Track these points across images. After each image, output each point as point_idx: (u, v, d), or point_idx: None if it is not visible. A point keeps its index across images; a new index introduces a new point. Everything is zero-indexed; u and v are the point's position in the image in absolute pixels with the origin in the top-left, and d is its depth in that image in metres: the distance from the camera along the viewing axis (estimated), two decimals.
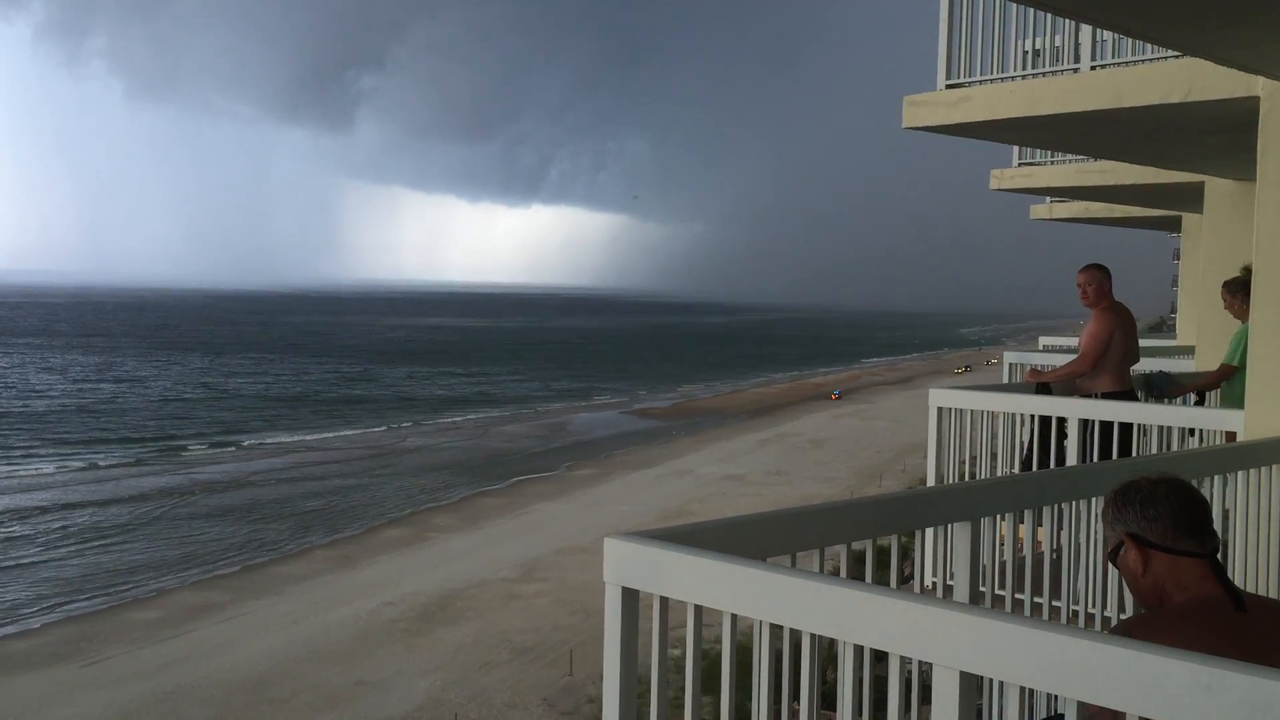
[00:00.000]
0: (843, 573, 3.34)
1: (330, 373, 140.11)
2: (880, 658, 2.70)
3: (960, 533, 4.26)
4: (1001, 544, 4.84)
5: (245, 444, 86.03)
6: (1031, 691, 2.32)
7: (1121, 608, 5.38)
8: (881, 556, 4.14)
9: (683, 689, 2.99)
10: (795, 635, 2.82)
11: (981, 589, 4.55)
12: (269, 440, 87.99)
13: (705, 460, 76.07)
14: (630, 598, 2.93)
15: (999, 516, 4.68)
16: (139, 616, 42.72)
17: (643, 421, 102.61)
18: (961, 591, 4.28)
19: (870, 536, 3.71)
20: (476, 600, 43.60)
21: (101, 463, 76.82)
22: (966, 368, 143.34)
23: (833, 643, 2.68)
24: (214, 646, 38.72)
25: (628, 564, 2.90)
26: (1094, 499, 5.09)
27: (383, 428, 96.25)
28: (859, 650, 2.77)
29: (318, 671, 36.33)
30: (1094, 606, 5.53)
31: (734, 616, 2.76)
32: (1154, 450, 7.21)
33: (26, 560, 51.10)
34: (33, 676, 36.36)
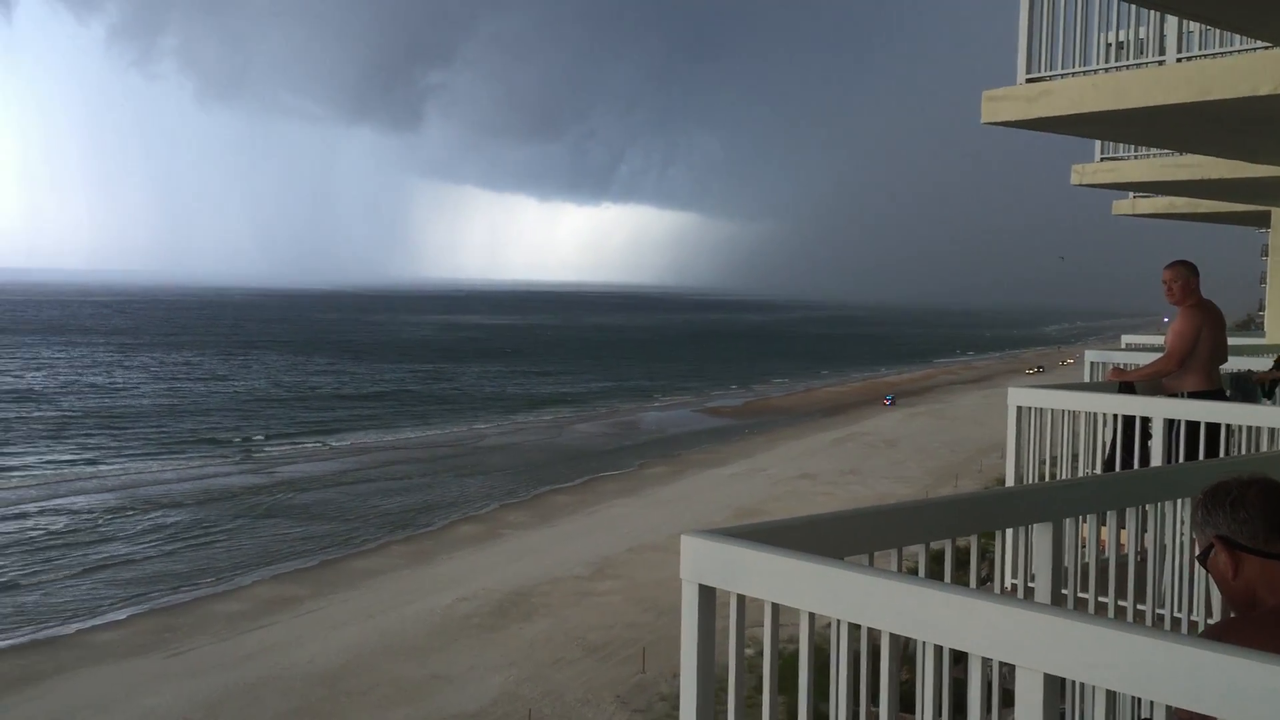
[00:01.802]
0: (921, 573, 3.31)
1: (407, 372, 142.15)
2: (959, 659, 2.67)
3: (1041, 534, 4.20)
4: (1084, 546, 4.75)
5: (331, 444, 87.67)
6: (1116, 695, 2.27)
7: (1209, 612, 5.25)
8: (960, 557, 4.09)
9: (758, 688, 2.99)
10: (873, 636, 2.79)
11: (1063, 591, 4.47)
12: (349, 440, 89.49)
13: (778, 459, 75.75)
14: (707, 595, 2.92)
15: (1080, 518, 4.59)
16: (221, 609, 43.76)
17: (714, 420, 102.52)
18: (1043, 593, 4.22)
19: (948, 537, 3.67)
20: (549, 597, 43.92)
21: (187, 460, 78.78)
22: (1039, 368, 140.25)
23: (909, 643, 2.65)
24: (294, 639, 39.52)
25: (705, 562, 2.90)
26: (1180, 500, 4.97)
27: (459, 426, 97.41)
28: (939, 651, 2.74)
29: (394, 665, 36.88)
30: (1180, 610, 5.40)
31: (811, 616, 2.75)
32: (1243, 451, 7.02)
33: (113, 555, 52.61)
34: (119, 666, 37.44)
